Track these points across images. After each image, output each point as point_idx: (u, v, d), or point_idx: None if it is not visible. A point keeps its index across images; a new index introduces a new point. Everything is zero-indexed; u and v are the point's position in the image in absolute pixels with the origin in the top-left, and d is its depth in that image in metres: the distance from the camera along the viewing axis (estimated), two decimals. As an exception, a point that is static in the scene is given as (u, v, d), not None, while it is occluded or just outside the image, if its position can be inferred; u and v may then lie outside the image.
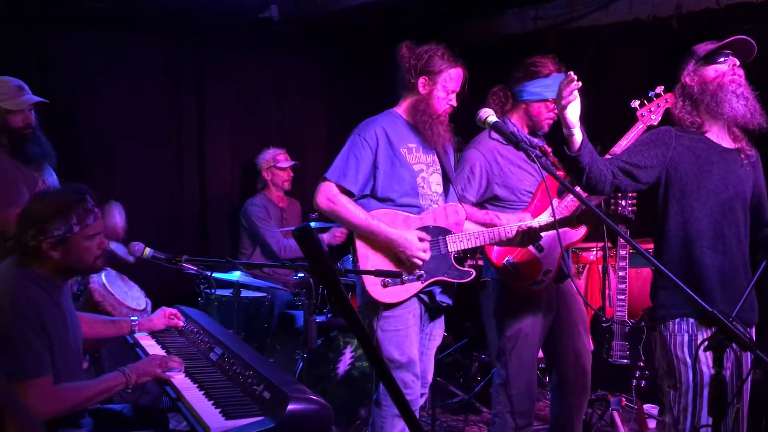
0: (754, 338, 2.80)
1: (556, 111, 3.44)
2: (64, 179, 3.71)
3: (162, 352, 2.89)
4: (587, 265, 5.36)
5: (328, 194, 3.03)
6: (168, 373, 2.52)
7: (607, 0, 5.32)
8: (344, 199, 3.03)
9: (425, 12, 5.65)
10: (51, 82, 4.75)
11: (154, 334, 3.12)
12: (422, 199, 3.12)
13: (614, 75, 5.34)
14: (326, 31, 5.74)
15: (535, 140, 3.49)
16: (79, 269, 2.50)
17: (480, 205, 3.46)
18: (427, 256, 3.01)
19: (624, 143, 3.27)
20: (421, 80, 3.09)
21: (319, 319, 4.32)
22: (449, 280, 3.12)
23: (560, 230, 3.16)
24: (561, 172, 3.50)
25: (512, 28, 5.99)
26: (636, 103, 3.24)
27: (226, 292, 4.41)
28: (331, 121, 6.00)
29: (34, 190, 3.35)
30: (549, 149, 3.59)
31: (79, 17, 4.87)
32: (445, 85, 3.09)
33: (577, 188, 3.32)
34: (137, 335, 3.09)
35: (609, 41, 5.39)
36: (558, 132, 3.55)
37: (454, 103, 3.13)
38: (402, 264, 3.01)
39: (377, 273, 2.98)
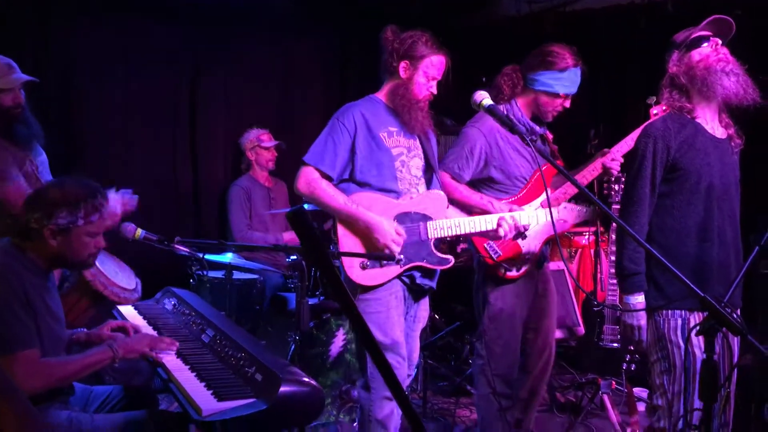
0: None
1: (564, 104, 3.41)
2: (57, 161, 3.69)
3: (154, 333, 2.88)
4: (579, 250, 5.38)
5: (308, 178, 3.05)
6: (158, 354, 2.52)
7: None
8: (324, 184, 3.04)
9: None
10: (48, 64, 4.70)
11: (146, 316, 3.11)
12: (401, 183, 3.12)
13: (609, 59, 5.33)
14: (326, 14, 5.70)
15: (538, 128, 3.46)
16: (71, 262, 2.49)
17: (473, 184, 3.45)
18: (397, 248, 3.02)
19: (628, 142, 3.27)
20: (403, 64, 3.09)
21: (311, 301, 4.32)
22: (428, 266, 3.13)
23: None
24: (558, 161, 3.49)
25: (507, 10, 5.96)
26: (652, 100, 3.19)
27: (219, 274, 4.40)
28: (330, 105, 5.96)
29: (21, 170, 3.31)
30: (550, 136, 3.58)
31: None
32: (426, 71, 3.08)
33: (575, 176, 3.35)
34: (127, 315, 3.09)
35: (604, 25, 5.38)
36: (561, 123, 3.55)
37: (435, 91, 3.13)
38: (376, 249, 3.02)
39: (369, 256, 3.00)
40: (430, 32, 3.11)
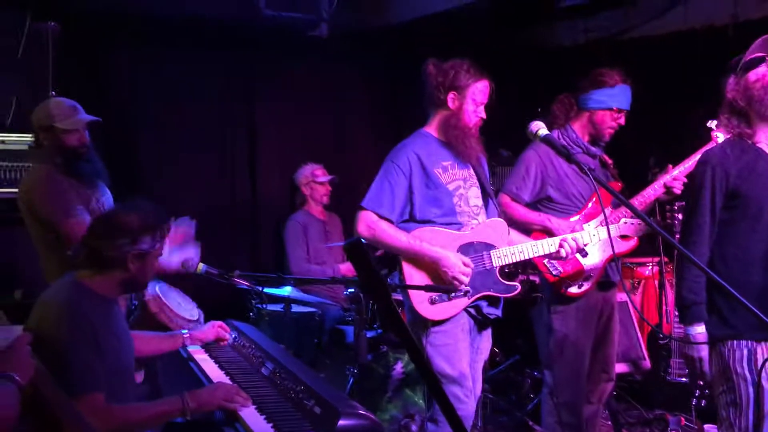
0: None
1: (619, 121, 3.45)
2: (118, 191, 3.79)
3: (215, 366, 2.91)
4: (643, 281, 5.24)
5: (368, 222, 3.07)
6: (235, 406, 2.39)
7: (661, 9, 5.23)
8: (384, 225, 3.06)
9: (474, 24, 5.63)
10: (106, 95, 4.89)
11: (207, 348, 3.15)
12: (461, 217, 3.14)
13: (668, 86, 5.23)
14: (376, 45, 5.80)
15: (594, 149, 3.50)
16: (140, 285, 2.56)
17: (533, 205, 3.50)
18: (466, 279, 3.02)
19: (689, 163, 3.23)
20: (450, 95, 3.12)
21: (369, 334, 4.32)
22: (495, 294, 3.14)
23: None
24: (618, 183, 3.50)
25: (562, 40, 5.93)
26: (713, 123, 3.17)
27: (277, 307, 4.44)
28: (381, 133, 6.03)
29: (87, 207, 3.41)
30: (610, 161, 3.59)
31: (136, 31, 5.01)
32: (474, 98, 3.12)
33: (633, 201, 3.32)
34: (190, 348, 3.13)
35: (663, 52, 5.29)
36: (618, 142, 3.53)
37: (484, 116, 3.17)
38: (445, 282, 3.02)
39: (428, 288, 3.00)
40: (468, 60, 3.14)
